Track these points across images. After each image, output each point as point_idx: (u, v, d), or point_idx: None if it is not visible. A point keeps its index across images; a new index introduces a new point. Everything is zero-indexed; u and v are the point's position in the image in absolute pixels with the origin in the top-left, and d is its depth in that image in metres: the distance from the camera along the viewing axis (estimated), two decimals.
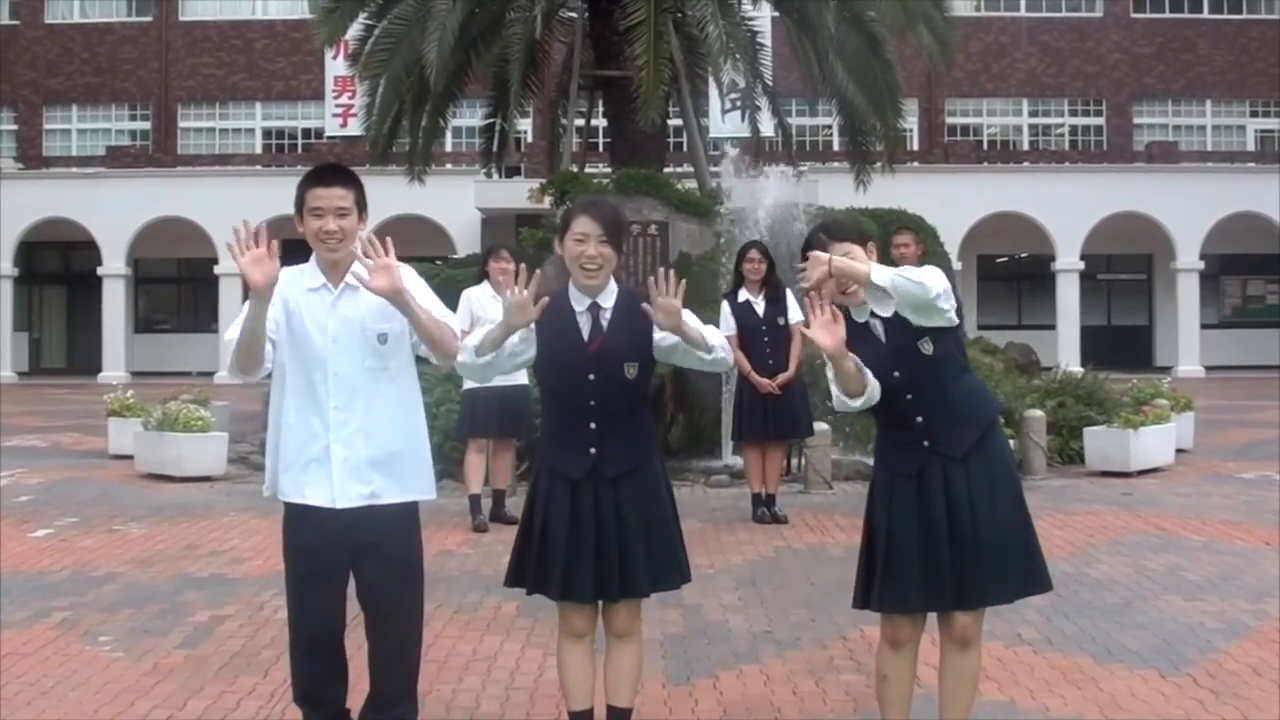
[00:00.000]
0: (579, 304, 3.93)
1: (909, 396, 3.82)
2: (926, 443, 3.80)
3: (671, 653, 5.47)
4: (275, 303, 3.74)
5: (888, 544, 3.81)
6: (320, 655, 3.94)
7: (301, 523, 3.85)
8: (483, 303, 8.54)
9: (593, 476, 3.87)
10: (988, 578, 3.73)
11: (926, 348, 3.78)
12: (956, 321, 3.82)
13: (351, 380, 3.79)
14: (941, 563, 3.72)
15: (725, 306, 8.99)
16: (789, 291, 8.96)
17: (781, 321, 8.83)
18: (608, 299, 3.94)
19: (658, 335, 3.86)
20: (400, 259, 3.75)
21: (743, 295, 8.92)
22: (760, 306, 8.84)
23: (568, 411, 3.91)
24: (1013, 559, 3.77)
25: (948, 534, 3.73)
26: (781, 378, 8.77)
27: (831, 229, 3.91)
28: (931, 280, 3.64)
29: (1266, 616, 6.05)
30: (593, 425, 3.86)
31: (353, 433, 3.79)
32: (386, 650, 3.92)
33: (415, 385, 4.00)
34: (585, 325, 3.92)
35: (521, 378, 8.24)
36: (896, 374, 3.80)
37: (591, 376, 3.85)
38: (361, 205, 3.85)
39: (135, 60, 34.15)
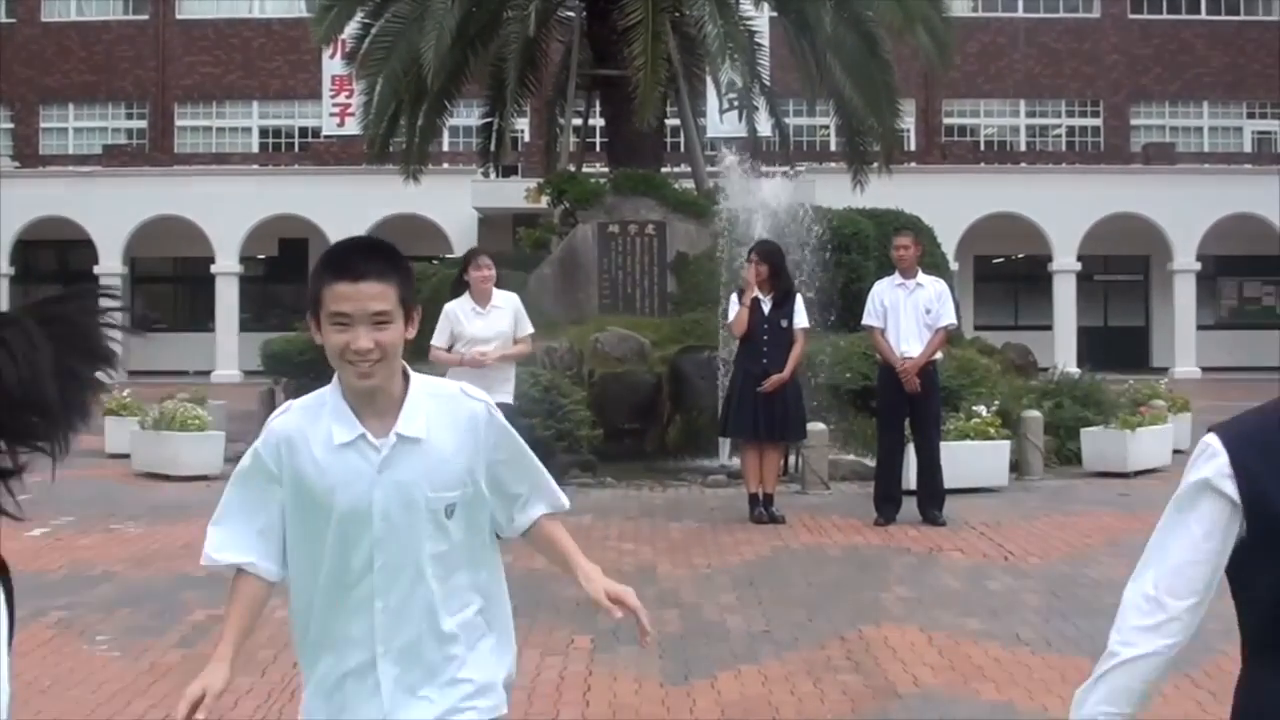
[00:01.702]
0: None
1: None
2: None
3: (669, 653, 5.46)
4: (278, 469, 2.59)
5: None
6: None
7: None
8: (460, 318, 7.86)
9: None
10: None
11: None
12: None
13: (408, 571, 2.49)
14: None
15: (734, 299, 9.04)
16: (798, 296, 8.97)
17: (784, 324, 8.79)
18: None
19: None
20: None
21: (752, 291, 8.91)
22: (766, 305, 8.82)
23: None
24: None
25: None
26: (775, 379, 8.71)
27: None
28: None
29: None
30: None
31: (409, 643, 2.50)
32: None
33: (496, 564, 2.62)
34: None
35: (507, 396, 7.67)
36: None
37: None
38: (409, 301, 2.43)
39: (132, 59, 34.11)
